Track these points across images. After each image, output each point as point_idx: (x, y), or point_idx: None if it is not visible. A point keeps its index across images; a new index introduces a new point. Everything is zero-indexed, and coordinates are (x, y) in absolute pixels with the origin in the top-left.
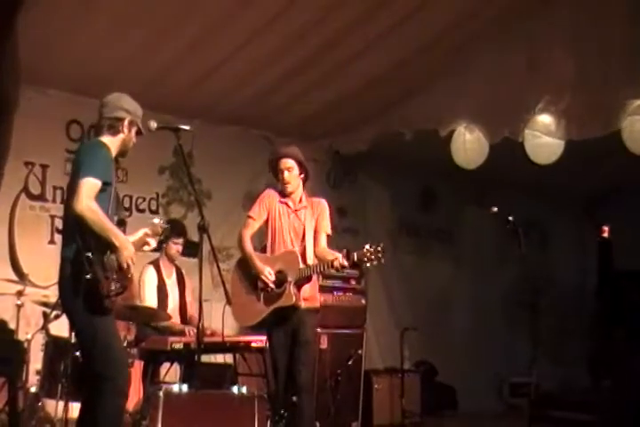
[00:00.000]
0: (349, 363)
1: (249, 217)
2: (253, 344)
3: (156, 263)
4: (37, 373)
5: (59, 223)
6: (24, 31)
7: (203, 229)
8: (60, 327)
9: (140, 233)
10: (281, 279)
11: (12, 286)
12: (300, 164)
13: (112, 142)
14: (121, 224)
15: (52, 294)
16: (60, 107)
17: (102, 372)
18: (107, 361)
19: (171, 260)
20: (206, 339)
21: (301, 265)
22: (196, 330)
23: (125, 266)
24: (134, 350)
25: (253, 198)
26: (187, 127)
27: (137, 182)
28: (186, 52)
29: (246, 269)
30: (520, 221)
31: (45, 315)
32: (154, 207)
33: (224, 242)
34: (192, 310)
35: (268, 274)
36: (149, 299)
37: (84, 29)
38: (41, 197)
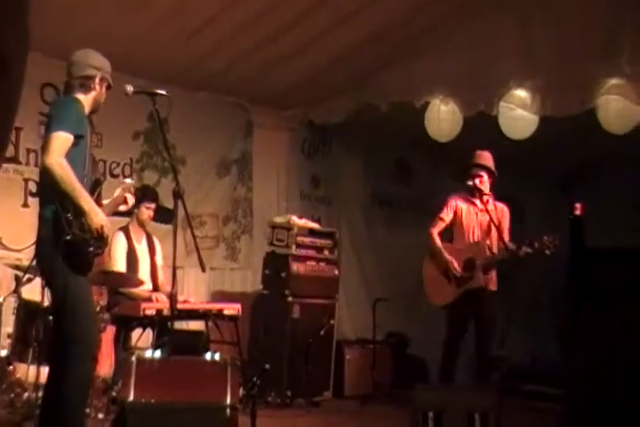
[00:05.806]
0: (321, 333)
1: (439, 218)
2: (226, 312)
3: (125, 229)
4: (8, 336)
5: (32, 186)
6: None
7: (177, 195)
8: (33, 291)
9: (117, 192)
10: (469, 266)
11: None
12: (490, 171)
13: (85, 100)
14: (97, 184)
15: (25, 258)
16: (35, 69)
17: (72, 334)
18: (77, 323)
19: (141, 225)
20: (179, 306)
21: (488, 254)
22: (163, 297)
23: (95, 231)
24: (107, 315)
25: (227, 165)
26: (163, 92)
27: (111, 147)
28: (163, 16)
29: (437, 259)
30: (496, 196)
31: (18, 278)
32: (127, 173)
33: (197, 209)
34: (163, 275)
35: (456, 264)
36: (119, 265)
37: None
38: (14, 160)
